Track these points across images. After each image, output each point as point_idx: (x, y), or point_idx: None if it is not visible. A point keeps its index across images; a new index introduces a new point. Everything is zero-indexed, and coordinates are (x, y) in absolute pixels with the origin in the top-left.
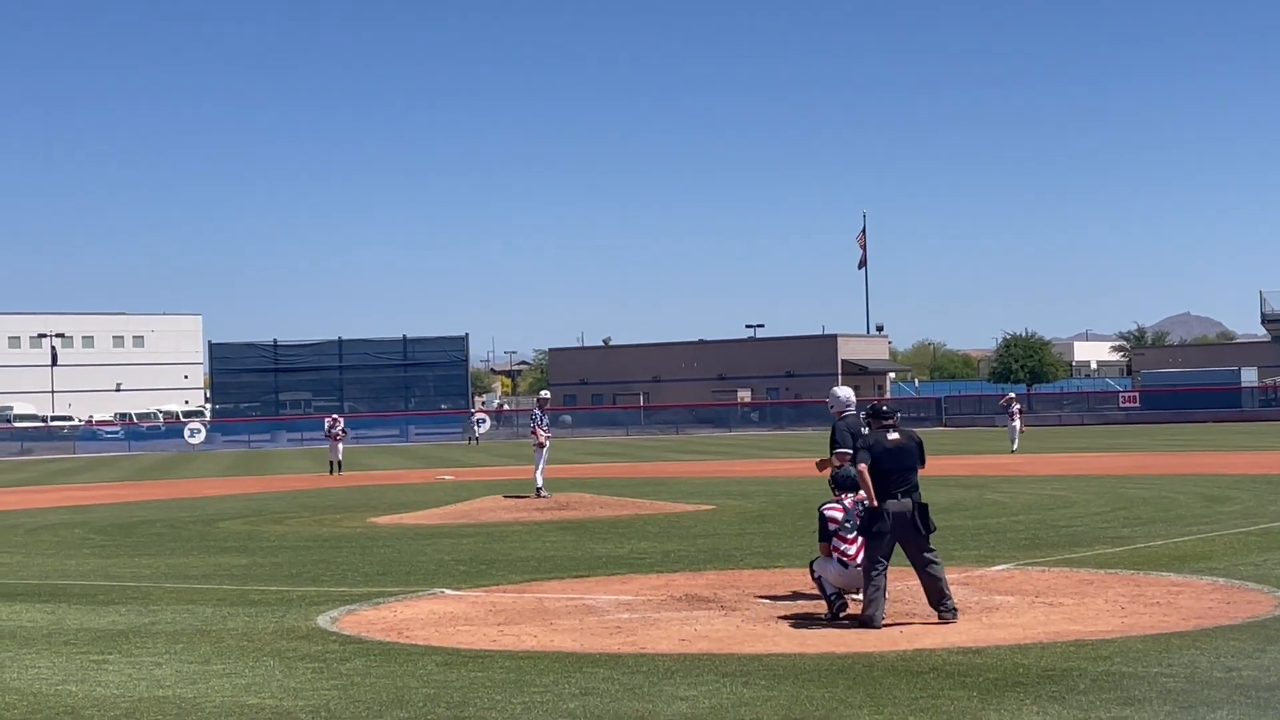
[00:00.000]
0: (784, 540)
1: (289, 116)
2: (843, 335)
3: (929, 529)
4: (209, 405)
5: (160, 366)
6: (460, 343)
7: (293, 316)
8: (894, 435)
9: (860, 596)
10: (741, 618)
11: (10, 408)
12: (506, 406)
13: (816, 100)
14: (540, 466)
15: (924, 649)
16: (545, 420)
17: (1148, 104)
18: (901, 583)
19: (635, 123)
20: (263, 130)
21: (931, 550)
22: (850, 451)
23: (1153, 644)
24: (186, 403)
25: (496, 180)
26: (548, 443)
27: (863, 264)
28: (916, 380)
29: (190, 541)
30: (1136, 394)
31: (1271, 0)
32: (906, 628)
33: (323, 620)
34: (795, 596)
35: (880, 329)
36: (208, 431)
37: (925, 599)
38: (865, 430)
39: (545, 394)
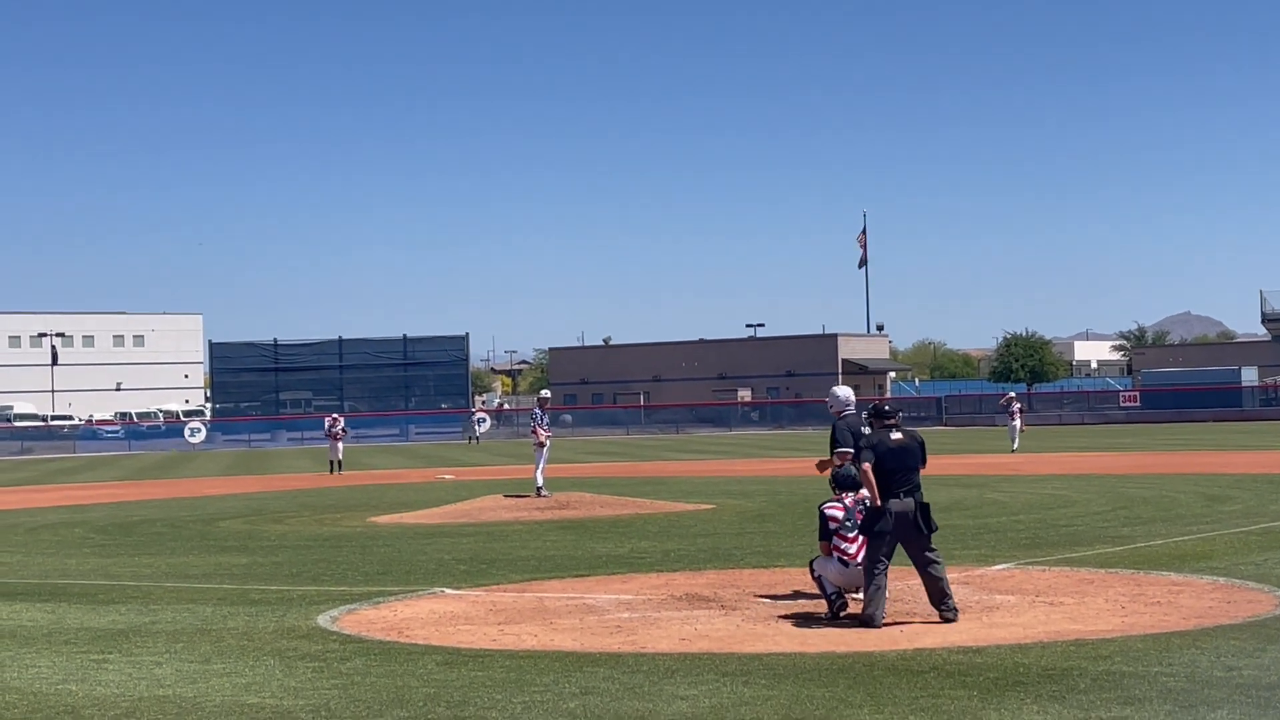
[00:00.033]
0: (784, 540)
1: (289, 116)
2: (843, 335)
3: (931, 529)
4: (209, 405)
5: (160, 366)
6: (460, 342)
7: (293, 316)
8: (897, 435)
9: (860, 596)
10: (742, 617)
11: (10, 407)
12: (507, 406)
13: (816, 100)
14: (540, 466)
15: (924, 648)
16: (545, 419)
17: (1148, 104)
18: (902, 582)
19: (635, 123)
20: (263, 130)
21: (933, 550)
22: (851, 451)
23: (1153, 643)
24: (187, 402)
25: (496, 180)
26: (548, 442)
27: (863, 263)
28: (917, 380)
29: (190, 541)
30: (1137, 393)
31: (1271, 0)
32: (907, 627)
33: (323, 619)
34: (795, 596)
35: (880, 328)
36: (208, 431)
37: (926, 598)
38: (865, 429)
39: (545, 393)
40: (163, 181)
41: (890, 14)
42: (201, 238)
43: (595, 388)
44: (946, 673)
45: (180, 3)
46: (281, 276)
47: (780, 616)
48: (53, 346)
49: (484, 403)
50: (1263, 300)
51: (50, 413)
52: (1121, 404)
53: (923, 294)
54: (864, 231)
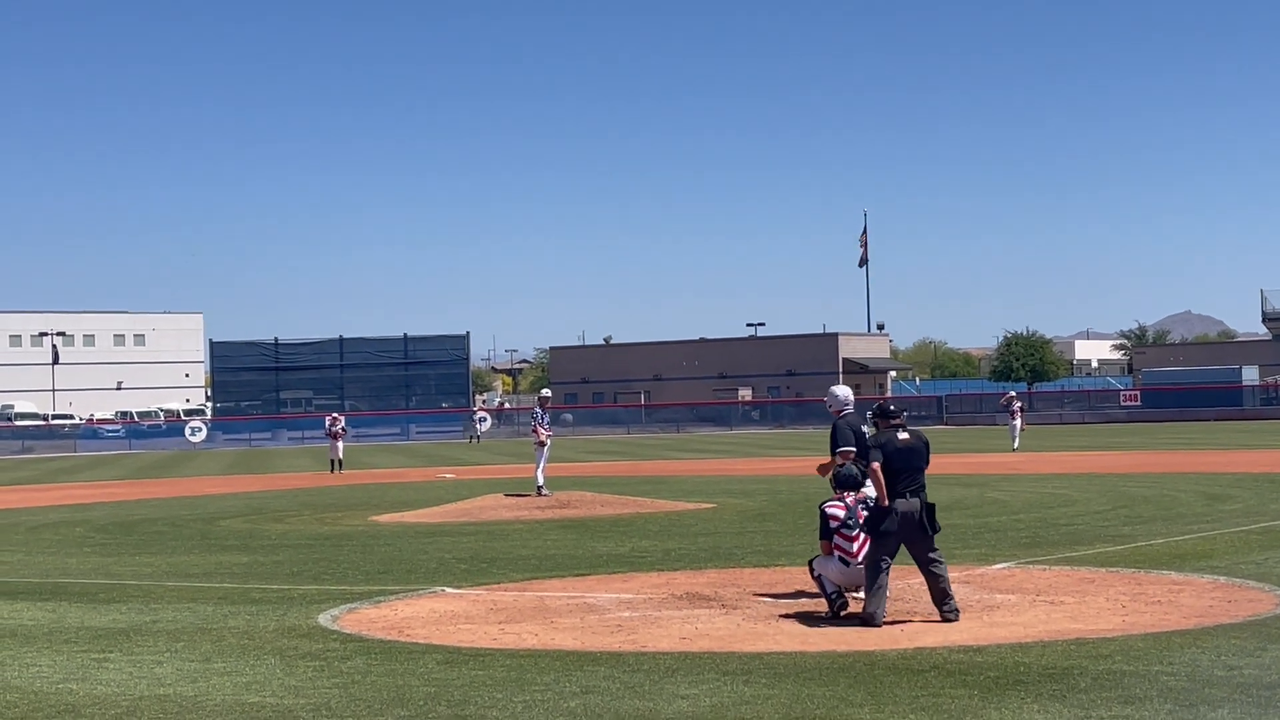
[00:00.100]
0: (785, 539)
1: (289, 116)
2: (844, 334)
3: (935, 529)
4: (210, 404)
5: (161, 365)
6: (461, 341)
7: (294, 315)
8: (904, 435)
9: (860, 594)
10: (742, 616)
11: (11, 406)
12: (507, 405)
13: (816, 100)
14: (541, 465)
15: (925, 647)
16: (546, 419)
17: (1148, 104)
18: (902, 581)
19: (635, 123)
20: (263, 130)
21: (935, 550)
22: (853, 450)
23: (1154, 642)
24: (187, 401)
25: (496, 180)
26: (549, 441)
27: (863, 262)
28: (917, 379)
29: (191, 540)
30: (1137, 392)
31: (1271, 0)
32: (907, 626)
33: (324, 618)
34: (796, 595)
35: (881, 327)
36: (209, 430)
37: (926, 597)
38: (866, 429)
39: (546, 392)
40: (163, 181)
41: (890, 14)
42: (202, 237)
43: (596, 387)
44: (947, 672)
45: (181, 3)
46: (282, 276)
47: (781, 615)
48: (54, 345)
49: (484, 402)
50: (1263, 299)
51: (51, 412)
52: (1122, 403)
53: (923, 293)
54: (864, 231)
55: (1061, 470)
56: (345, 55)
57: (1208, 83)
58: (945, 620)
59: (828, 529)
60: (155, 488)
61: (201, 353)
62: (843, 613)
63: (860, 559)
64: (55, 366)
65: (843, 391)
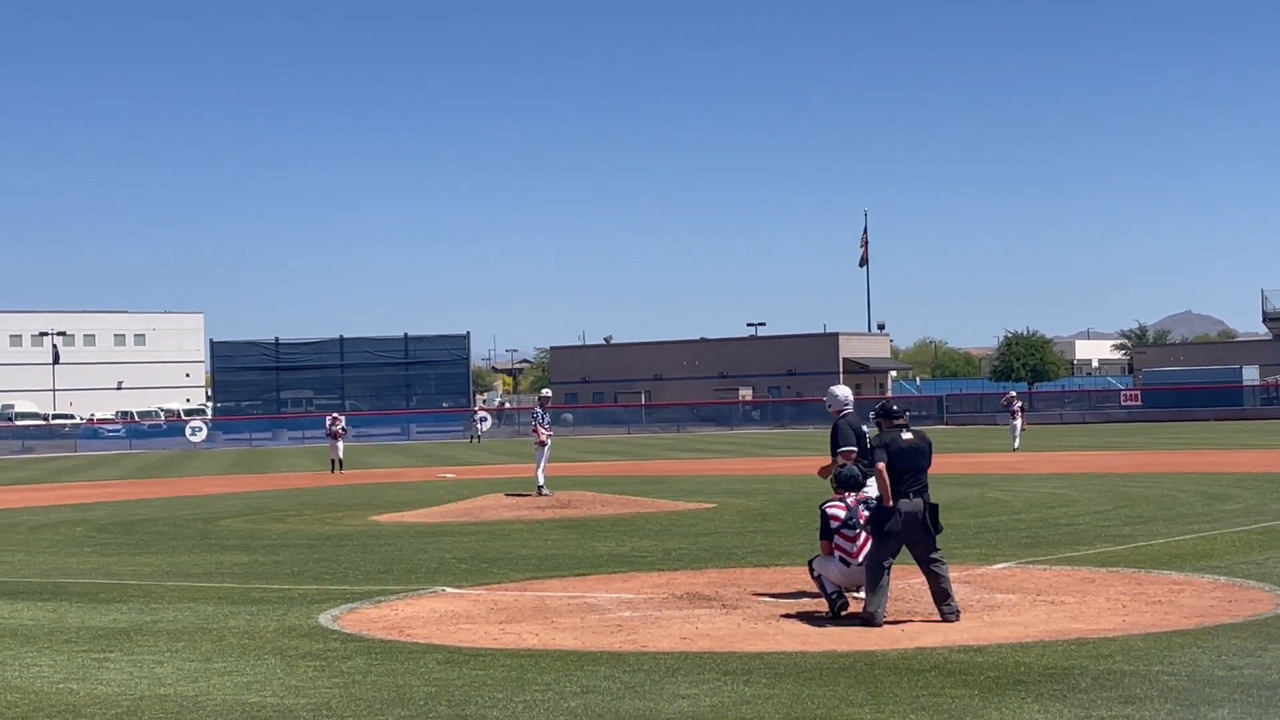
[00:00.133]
0: (785, 538)
1: (289, 116)
2: (844, 333)
3: (937, 529)
4: (210, 403)
5: (162, 365)
6: (461, 341)
7: (294, 315)
8: (908, 435)
9: (860, 594)
10: (743, 616)
11: (12, 406)
12: (508, 405)
13: (816, 100)
14: (542, 465)
15: (925, 647)
16: (546, 418)
17: (1148, 104)
18: (903, 581)
19: (635, 123)
20: (263, 130)
21: (937, 550)
22: (854, 450)
23: (1154, 642)
24: (188, 401)
25: (496, 180)
26: (549, 441)
27: (864, 262)
28: (918, 379)
29: (192, 540)
30: (1138, 392)
31: (1271, 0)
32: (908, 626)
33: (324, 618)
34: (797, 595)
35: (882, 327)
36: (209, 430)
37: (927, 597)
38: (866, 429)
39: (546, 392)
40: (164, 181)
41: (890, 14)
42: (202, 237)
43: (596, 387)
44: (948, 672)
45: (181, 3)
46: (282, 276)
47: (781, 615)
48: (54, 345)
49: (485, 402)
50: (1264, 299)
51: (51, 412)
52: (1122, 403)
53: (924, 293)
54: (865, 231)
55: (1062, 470)
56: (345, 55)
57: (1208, 83)
58: (946, 620)
59: (828, 529)
60: (156, 487)
61: (202, 352)
62: (843, 613)
63: (861, 560)
64: (56, 366)
65: (842, 391)
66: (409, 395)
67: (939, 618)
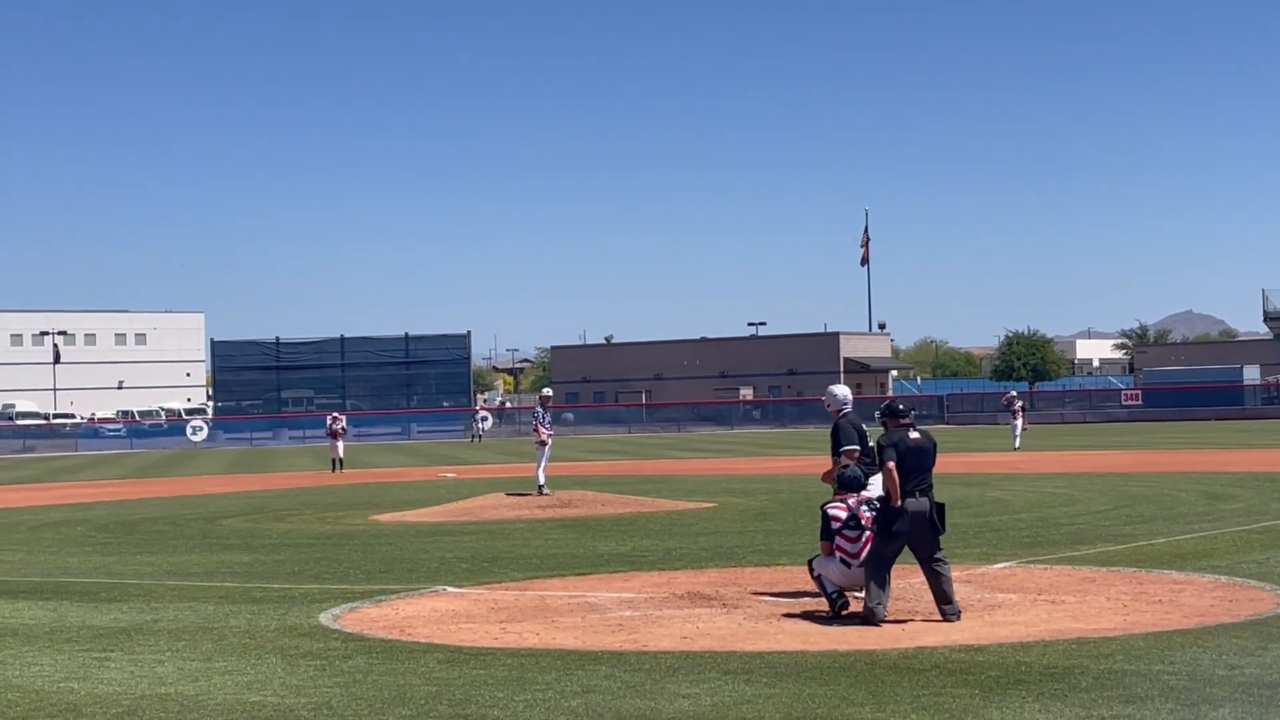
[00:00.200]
0: (786, 538)
1: (290, 115)
2: (845, 333)
3: (943, 529)
4: (211, 403)
5: (162, 364)
6: (462, 340)
7: (295, 314)
8: (914, 434)
9: (861, 594)
10: (743, 615)
11: (13, 405)
12: (509, 404)
13: (816, 100)
14: (542, 464)
15: (926, 646)
16: (547, 418)
17: (1148, 104)
18: (904, 580)
19: (635, 123)
20: (264, 129)
21: (941, 550)
22: (857, 448)
23: (1155, 642)
24: (189, 400)
25: (497, 179)
26: (550, 440)
27: (865, 262)
28: (919, 378)
29: (192, 539)
30: (1139, 392)
31: (1271, 0)
32: (908, 625)
33: (325, 618)
34: (797, 594)
35: (882, 327)
36: (210, 429)
37: (927, 596)
38: (866, 428)
39: (547, 391)
40: (164, 180)
41: (891, 13)
42: (202, 237)
43: (597, 386)
44: (948, 671)
45: (181, 2)
46: (283, 275)
47: (782, 615)
48: (55, 345)
49: (486, 401)
50: (1265, 299)
51: (52, 411)
52: (1123, 402)
53: (924, 292)
54: (866, 230)
55: (1063, 470)
56: (345, 55)
57: (1208, 83)
58: (946, 620)
59: (829, 530)
60: (156, 487)
61: (203, 352)
62: (844, 612)
63: (860, 560)
64: (56, 366)
65: (842, 391)
66: (410, 395)
67: (940, 617)
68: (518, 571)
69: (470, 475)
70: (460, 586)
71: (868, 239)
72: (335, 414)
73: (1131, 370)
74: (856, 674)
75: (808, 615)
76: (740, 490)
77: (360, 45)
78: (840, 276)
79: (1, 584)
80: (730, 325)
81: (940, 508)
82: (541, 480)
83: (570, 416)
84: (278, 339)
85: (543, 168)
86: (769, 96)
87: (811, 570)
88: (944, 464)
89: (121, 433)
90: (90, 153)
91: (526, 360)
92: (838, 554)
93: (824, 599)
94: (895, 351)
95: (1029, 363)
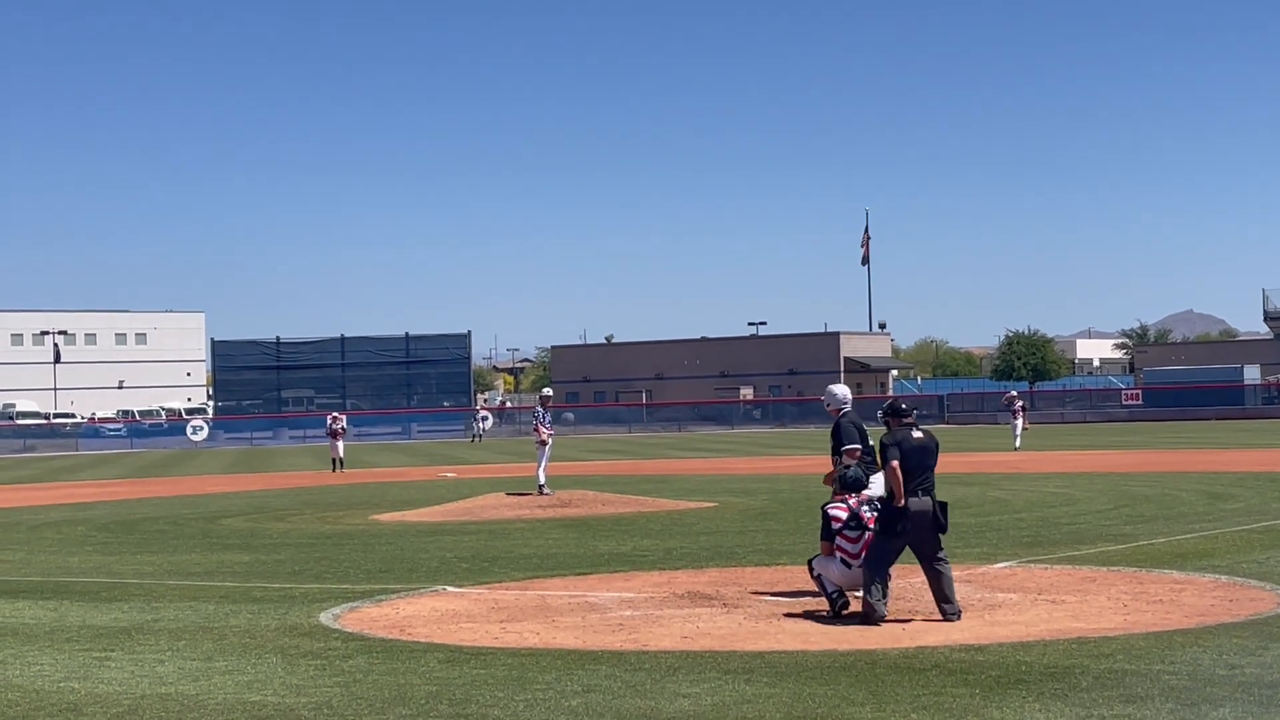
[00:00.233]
0: (786, 538)
1: (290, 115)
2: (845, 333)
3: (945, 528)
4: (211, 402)
5: (163, 364)
6: (463, 340)
7: (295, 314)
8: (917, 434)
9: (861, 595)
10: (744, 615)
11: (13, 405)
12: (509, 404)
13: (817, 100)
14: (543, 464)
15: (926, 646)
16: (547, 417)
17: (1148, 104)
18: (904, 580)
19: (635, 122)
20: (264, 128)
21: (942, 550)
22: (859, 447)
23: (1155, 641)
24: (189, 400)
25: (497, 179)
26: (550, 440)
27: (865, 261)
28: (919, 378)
29: (193, 539)
30: (1139, 391)
31: (1271, 0)
32: (909, 625)
33: (325, 617)
34: (798, 594)
35: (883, 326)
36: (210, 429)
37: (927, 596)
38: (867, 427)
39: (547, 391)
40: (165, 180)
41: (891, 13)
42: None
43: (597, 386)
44: (949, 670)
45: (181, 1)
46: (283, 275)
47: (783, 614)
48: (55, 344)
49: (486, 401)
50: (1265, 298)
51: (52, 411)
52: (1124, 402)
53: (925, 292)
54: (866, 230)
55: (1063, 469)
56: (345, 55)
57: (1208, 82)
58: (947, 619)
59: (830, 530)
60: (157, 486)
61: (203, 351)
62: (844, 612)
63: (860, 560)
64: (57, 365)
65: (841, 390)
66: (410, 394)
67: (940, 617)
68: (518, 571)
69: (470, 475)
70: (460, 586)
71: (868, 239)
72: (335, 414)
73: (1132, 370)
74: (857, 674)
75: (808, 615)
76: (741, 490)
77: (360, 45)
78: (840, 276)
79: (2, 584)
80: (730, 325)
81: (943, 506)
82: (542, 480)
83: (570, 416)
84: (278, 339)
85: (543, 168)
86: (769, 96)
87: (811, 570)
88: (944, 464)
89: (122, 432)
90: (90, 153)
91: (527, 360)
92: (838, 554)
93: (824, 599)
94: (895, 351)
95: (1029, 362)
